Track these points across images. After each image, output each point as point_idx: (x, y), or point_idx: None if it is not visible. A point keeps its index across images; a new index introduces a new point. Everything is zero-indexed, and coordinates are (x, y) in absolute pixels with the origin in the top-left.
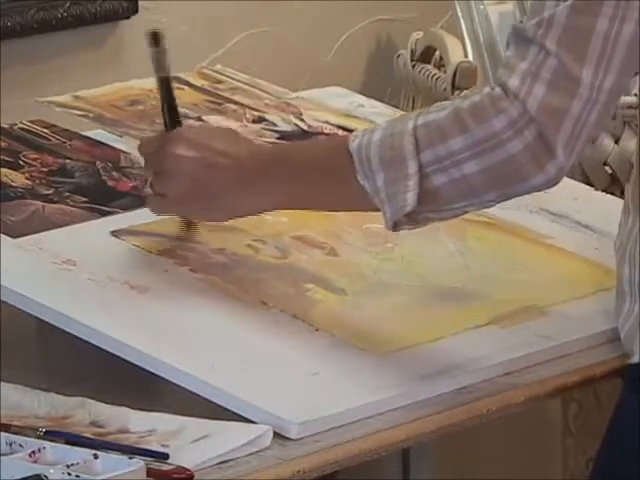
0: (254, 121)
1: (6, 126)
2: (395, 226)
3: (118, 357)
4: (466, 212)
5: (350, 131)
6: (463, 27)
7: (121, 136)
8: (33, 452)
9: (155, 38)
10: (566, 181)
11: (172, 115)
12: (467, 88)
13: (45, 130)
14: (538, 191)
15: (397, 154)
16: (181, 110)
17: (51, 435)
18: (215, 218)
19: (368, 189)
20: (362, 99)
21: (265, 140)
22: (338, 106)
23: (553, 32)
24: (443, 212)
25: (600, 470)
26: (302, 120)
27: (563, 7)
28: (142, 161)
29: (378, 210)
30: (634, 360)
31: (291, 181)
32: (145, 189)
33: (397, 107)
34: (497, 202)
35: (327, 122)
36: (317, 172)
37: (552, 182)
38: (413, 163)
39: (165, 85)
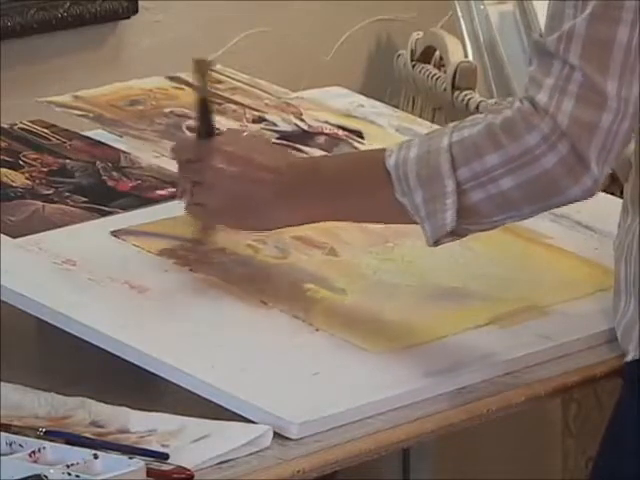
0: (254, 121)
1: (6, 126)
2: (435, 243)
3: (118, 357)
4: (505, 223)
5: (350, 131)
6: (463, 27)
7: (121, 136)
8: (33, 452)
9: (202, 66)
10: None
11: (208, 126)
12: (467, 88)
13: (45, 130)
14: (576, 202)
15: (434, 172)
16: (181, 110)
17: (51, 435)
18: (252, 229)
19: (407, 206)
20: (362, 99)
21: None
22: (338, 106)
23: (574, 46)
24: (483, 225)
25: (600, 469)
26: (302, 120)
27: (582, 19)
28: (148, 158)
29: (417, 224)
30: (629, 358)
31: (329, 195)
32: (182, 198)
33: (397, 107)
34: (536, 214)
35: (327, 122)
36: (355, 187)
37: (588, 193)
38: (450, 181)
39: (203, 103)
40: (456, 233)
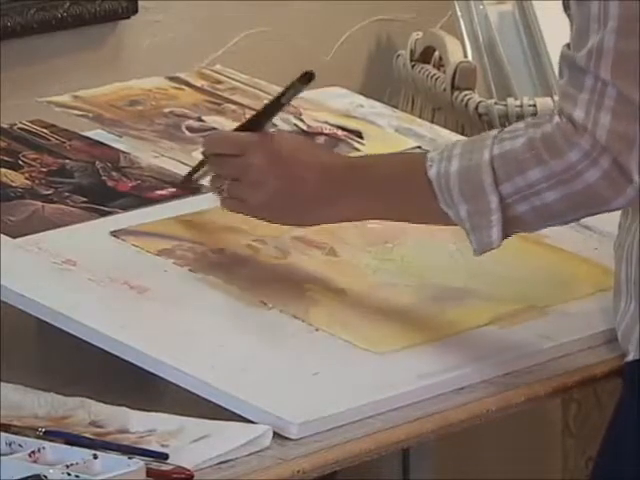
0: None
1: (6, 126)
2: (481, 253)
3: (118, 357)
4: (550, 227)
5: (350, 131)
6: (462, 27)
7: (121, 136)
8: (33, 452)
9: (308, 79)
10: None
11: (257, 120)
12: (467, 88)
13: (44, 130)
14: (618, 210)
15: (477, 187)
16: (180, 110)
17: (51, 435)
18: (294, 224)
19: (452, 216)
20: (362, 99)
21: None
22: (338, 106)
23: (605, 61)
24: (528, 231)
25: (600, 470)
26: (302, 120)
27: (609, 33)
28: (147, 158)
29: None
30: (630, 358)
31: (370, 197)
32: (217, 191)
33: (397, 107)
34: (580, 219)
35: (327, 122)
36: (396, 191)
37: (632, 203)
38: (494, 197)
39: (274, 106)
40: (503, 238)
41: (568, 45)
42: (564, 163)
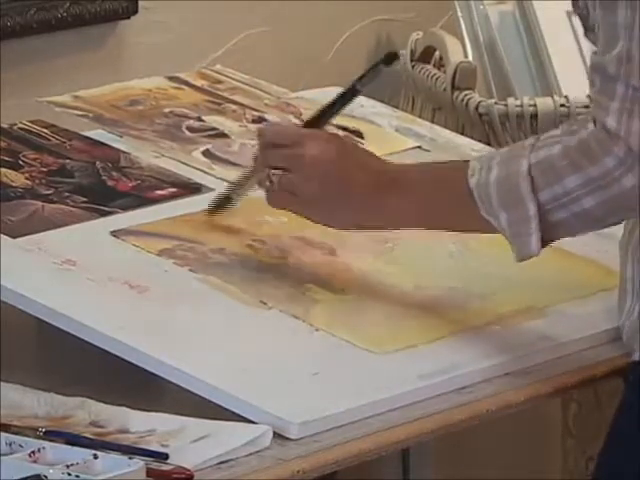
0: (254, 121)
1: (6, 126)
2: (523, 260)
3: (118, 357)
4: (593, 231)
5: (350, 131)
6: (463, 27)
7: (121, 136)
8: (33, 452)
9: (390, 59)
10: None
11: (322, 116)
12: (467, 88)
13: (45, 130)
14: None
15: (515, 196)
16: (180, 110)
17: (51, 435)
18: (335, 226)
19: (495, 225)
20: (362, 99)
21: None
22: None
23: (635, 68)
24: (571, 235)
25: (602, 470)
26: (302, 120)
27: (636, 40)
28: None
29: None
30: (635, 358)
31: (415, 204)
32: (263, 184)
33: (397, 107)
34: (620, 223)
35: None
36: (440, 200)
37: None
38: (532, 204)
39: (349, 94)
40: (544, 246)
41: (595, 53)
42: (601, 169)
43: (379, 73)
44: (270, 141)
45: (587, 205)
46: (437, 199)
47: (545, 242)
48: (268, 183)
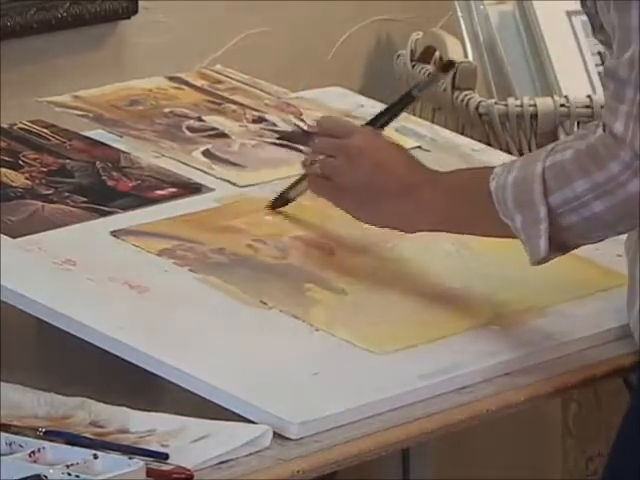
0: (254, 121)
1: (6, 126)
2: (536, 263)
3: (118, 357)
4: (608, 237)
5: None
6: (463, 27)
7: (121, 136)
8: (33, 452)
9: (447, 67)
10: None
11: (377, 119)
12: (467, 88)
13: (45, 130)
14: None
15: (528, 198)
16: (181, 110)
17: (51, 435)
18: (366, 219)
19: (512, 228)
20: (362, 99)
21: (268, 142)
22: (338, 106)
23: None
24: (584, 241)
25: (611, 473)
26: (302, 120)
27: None
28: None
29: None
30: None
31: (447, 206)
32: (310, 169)
33: None
34: (631, 230)
35: None
36: (468, 205)
37: None
38: (542, 207)
39: (406, 101)
40: (558, 249)
41: (609, 58)
42: (606, 174)
43: (437, 80)
44: (325, 130)
45: (597, 209)
46: (461, 203)
47: (561, 246)
48: (313, 167)
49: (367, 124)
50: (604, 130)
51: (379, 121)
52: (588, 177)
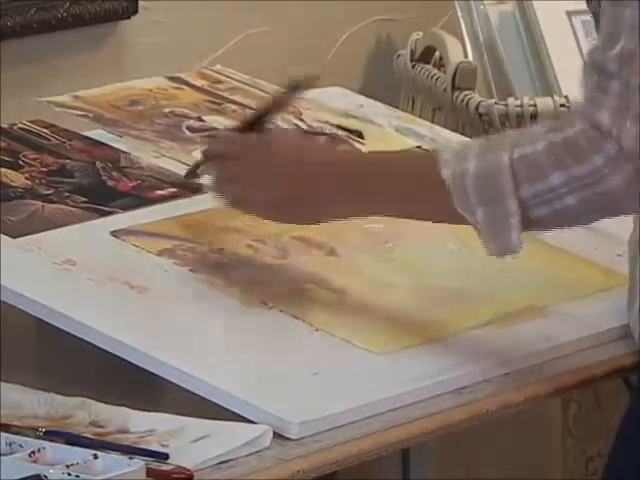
0: None
1: (6, 126)
2: (500, 256)
3: (118, 357)
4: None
5: (350, 131)
6: (463, 27)
7: (121, 136)
8: (33, 452)
9: (298, 86)
10: None
11: (256, 120)
12: (467, 88)
13: (45, 130)
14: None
15: (496, 192)
16: (181, 110)
17: (51, 435)
18: (303, 223)
19: (468, 219)
20: (362, 99)
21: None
22: (338, 106)
23: (636, 66)
24: (546, 231)
25: (611, 474)
26: (302, 120)
27: None
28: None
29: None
30: None
31: (383, 196)
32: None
33: (397, 107)
34: (596, 221)
35: (327, 122)
36: (410, 189)
37: None
38: (513, 200)
39: (277, 101)
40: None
41: (594, 50)
42: (588, 167)
43: (298, 93)
44: (218, 153)
45: (569, 202)
46: (404, 192)
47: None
48: (220, 191)
49: (246, 125)
50: (584, 123)
51: (258, 121)
52: (564, 170)
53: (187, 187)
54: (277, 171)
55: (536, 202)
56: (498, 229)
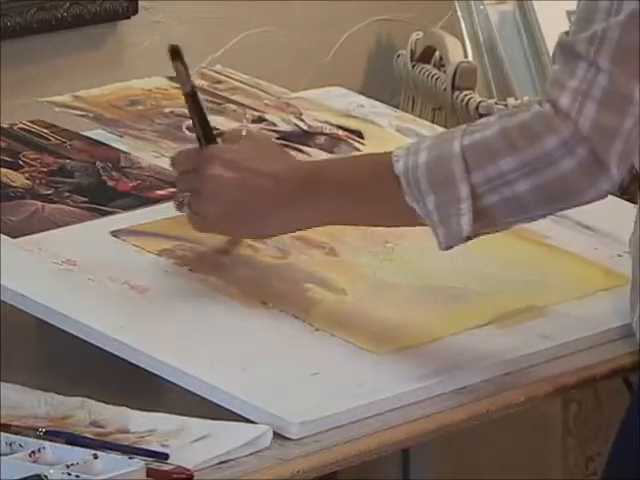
0: (254, 121)
1: (6, 126)
2: (448, 248)
3: (118, 357)
4: (516, 225)
5: (350, 131)
6: (463, 27)
7: (121, 136)
8: (33, 452)
9: (174, 52)
10: None
11: (205, 130)
12: (467, 88)
13: (45, 130)
14: (589, 204)
15: (447, 177)
16: (181, 110)
17: (51, 435)
18: (254, 236)
19: (418, 211)
20: (362, 99)
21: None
22: (338, 106)
23: (605, 49)
24: (494, 226)
25: (611, 472)
26: (302, 120)
27: (615, 23)
28: (148, 158)
29: (426, 226)
30: None
31: (334, 200)
32: (182, 209)
33: (397, 107)
34: (549, 215)
35: (327, 122)
36: (361, 192)
37: (604, 196)
38: (464, 186)
39: (192, 99)
40: (468, 237)
41: (565, 33)
42: (539, 150)
43: (182, 69)
44: (181, 168)
45: (520, 189)
46: (359, 191)
47: (473, 229)
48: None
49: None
50: (542, 106)
51: (206, 133)
52: (516, 154)
53: None
54: (233, 183)
55: (487, 188)
56: (448, 214)
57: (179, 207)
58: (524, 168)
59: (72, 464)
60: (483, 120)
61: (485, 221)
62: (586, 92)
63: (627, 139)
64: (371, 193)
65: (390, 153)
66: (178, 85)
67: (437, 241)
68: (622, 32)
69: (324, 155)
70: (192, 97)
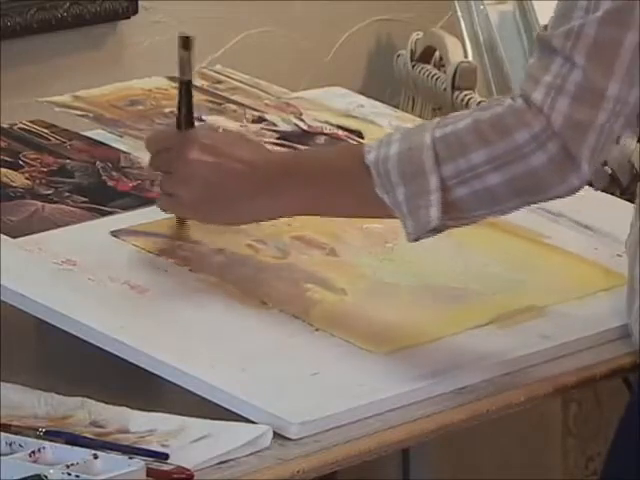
0: (254, 121)
1: (6, 126)
2: (416, 239)
3: (118, 357)
4: (485, 218)
5: (350, 131)
6: (463, 27)
7: (121, 136)
8: (33, 452)
9: (186, 42)
10: None
11: (188, 116)
12: (467, 88)
13: (45, 130)
14: (559, 198)
15: (417, 169)
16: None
17: (51, 435)
18: (229, 223)
19: (388, 202)
20: (362, 99)
21: (268, 142)
22: (338, 106)
23: (581, 45)
24: (463, 220)
25: (610, 471)
26: (302, 120)
27: (592, 19)
28: (147, 157)
29: (397, 218)
30: None
31: (307, 189)
32: (154, 188)
33: (397, 107)
34: (518, 209)
35: (327, 122)
36: (333, 182)
37: (574, 191)
38: (434, 177)
39: (186, 88)
40: (436, 229)
41: (543, 28)
42: (510, 143)
43: (189, 58)
44: (154, 148)
45: (490, 182)
46: (330, 180)
47: (438, 226)
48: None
49: (181, 121)
50: (514, 100)
51: (188, 119)
52: (487, 148)
53: None
54: (209, 167)
55: (457, 182)
56: (417, 205)
57: (151, 185)
58: (495, 161)
59: (72, 464)
60: (457, 113)
61: (454, 213)
62: (560, 87)
63: (599, 135)
64: (343, 184)
65: (363, 144)
66: (178, 75)
67: (405, 232)
68: (599, 28)
69: None
70: (187, 86)
